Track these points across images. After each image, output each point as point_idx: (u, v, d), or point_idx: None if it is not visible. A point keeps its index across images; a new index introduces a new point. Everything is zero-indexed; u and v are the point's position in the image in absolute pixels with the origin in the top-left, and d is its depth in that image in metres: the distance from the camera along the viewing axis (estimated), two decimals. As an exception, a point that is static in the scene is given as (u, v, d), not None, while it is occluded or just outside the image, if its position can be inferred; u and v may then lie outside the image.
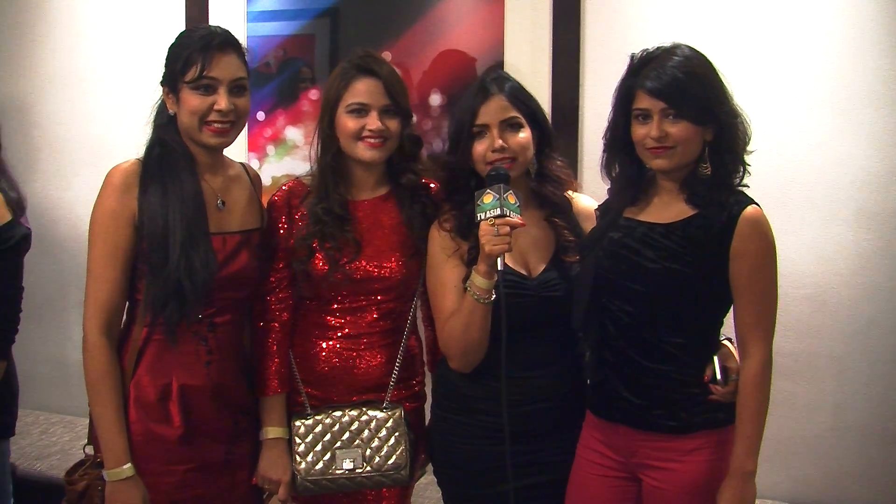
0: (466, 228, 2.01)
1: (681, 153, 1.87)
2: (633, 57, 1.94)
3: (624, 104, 1.94)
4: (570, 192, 2.16)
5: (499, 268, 1.87)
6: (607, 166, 2.03)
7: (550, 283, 2.02)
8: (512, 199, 1.88)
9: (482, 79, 2.09)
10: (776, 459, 2.68)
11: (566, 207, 2.12)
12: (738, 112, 1.90)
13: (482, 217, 1.88)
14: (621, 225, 1.97)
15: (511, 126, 2.02)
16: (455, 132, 2.07)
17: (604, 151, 2.03)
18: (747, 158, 1.92)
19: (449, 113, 2.94)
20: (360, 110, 2.07)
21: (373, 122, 2.06)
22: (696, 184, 1.90)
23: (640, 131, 1.90)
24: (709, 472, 1.89)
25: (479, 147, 2.02)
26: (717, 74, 1.90)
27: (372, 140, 2.06)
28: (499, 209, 1.86)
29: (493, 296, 1.92)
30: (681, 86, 1.84)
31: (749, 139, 1.91)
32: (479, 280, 1.91)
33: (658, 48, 1.91)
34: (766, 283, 1.88)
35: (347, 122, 2.07)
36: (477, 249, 1.92)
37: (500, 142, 2.00)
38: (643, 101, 1.88)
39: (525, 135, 2.03)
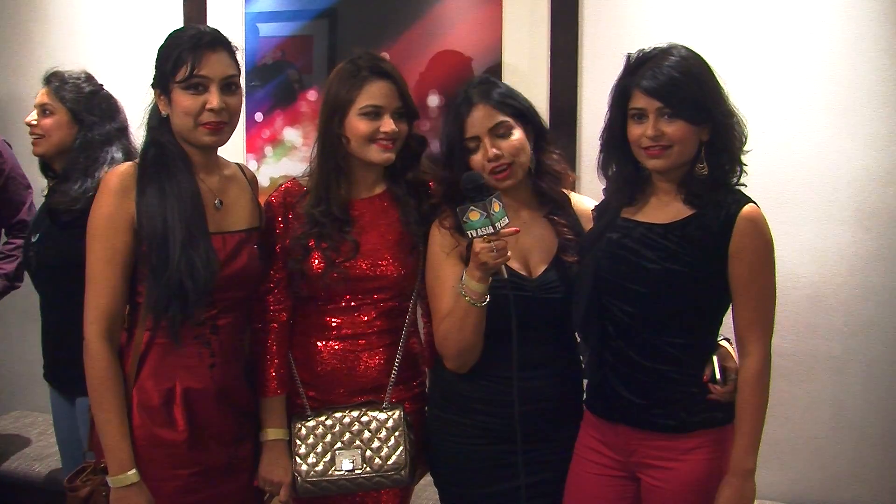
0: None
1: (677, 153, 1.88)
2: (629, 57, 1.95)
3: (620, 104, 1.94)
4: (568, 192, 2.16)
5: (505, 275, 1.88)
6: (604, 166, 2.03)
7: (550, 285, 2.02)
8: (496, 206, 1.84)
9: (465, 89, 2.08)
10: (774, 460, 2.68)
11: (565, 203, 2.12)
12: (733, 112, 1.90)
13: (474, 235, 1.86)
14: (619, 225, 1.97)
15: (501, 132, 2.02)
16: (448, 148, 2.07)
17: (601, 151, 2.03)
18: (744, 158, 1.92)
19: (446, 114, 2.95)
20: (375, 113, 2.06)
21: (387, 124, 2.05)
22: (694, 184, 1.90)
23: (636, 131, 1.90)
24: (708, 471, 1.90)
25: (476, 158, 2.02)
26: (713, 74, 1.90)
27: (385, 142, 2.06)
28: (490, 226, 1.84)
29: (487, 299, 1.92)
30: (677, 85, 1.85)
31: (745, 139, 1.92)
32: (472, 284, 1.91)
33: (654, 48, 1.92)
34: (764, 282, 1.88)
35: (360, 125, 2.06)
36: None
37: (494, 150, 2.00)
38: (639, 101, 1.88)
39: (517, 137, 2.03)
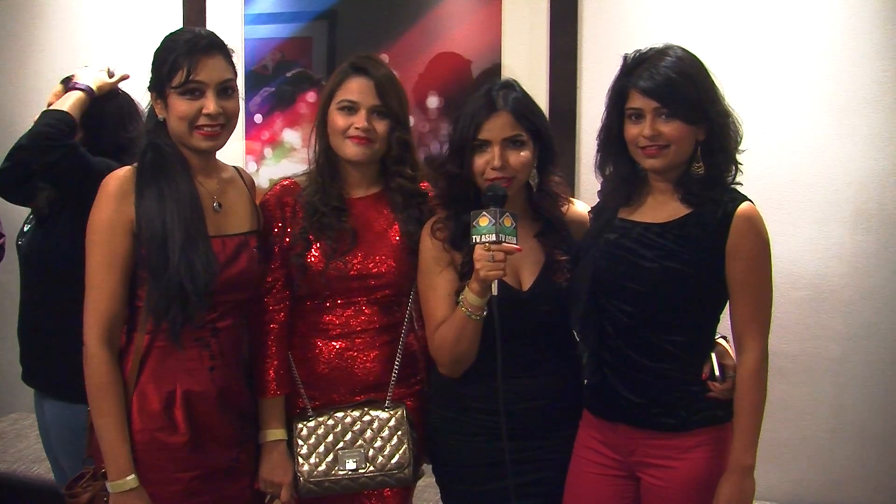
0: (460, 240, 2.01)
1: (674, 152, 1.89)
2: (626, 57, 1.96)
3: (617, 104, 1.95)
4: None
5: (493, 293, 1.88)
6: (601, 166, 2.04)
7: (541, 297, 2.03)
8: (508, 222, 1.87)
9: (489, 90, 2.04)
10: (774, 461, 2.68)
11: (559, 224, 2.10)
12: (729, 112, 1.91)
13: (477, 240, 1.87)
14: (616, 226, 1.98)
15: (514, 144, 2.00)
16: (457, 143, 2.04)
17: (597, 151, 2.04)
18: (742, 158, 1.94)
19: (447, 115, 2.94)
20: (350, 108, 2.08)
21: (360, 120, 2.07)
22: (691, 183, 1.91)
23: (632, 131, 1.91)
24: (708, 469, 1.90)
25: (480, 161, 2.00)
26: (709, 75, 1.91)
27: (358, 138, 2.08)
28: (494, 235, 1.86)
29: (485, 312, 1.92)
30: (673, 85, 1.86)
31: (741, 138, 1.93)
32: (471, 297, 1.92)
33: (651, 49, 1.93)
34: (761, 279, 1.89)
35: (337, 119, 2.09)
36: (470, 263, 1.92)
37: (500, 161, 1.97)
38: (636, 101, 1.89)
39: (526, 153, 2.01)
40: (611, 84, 1.98)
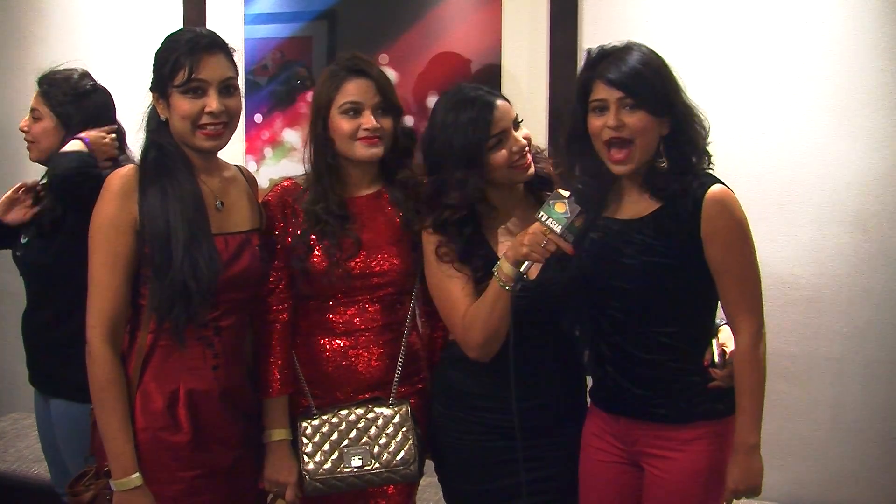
0: (467, 254, 2.01)
1: (639, 149, 1.88)
2: (589, 52, 1.96)
3: (581, 98, 1.95)
4: None
5: (521, 269, 1.88)
6: (569, 165, 2.03)
7: (547, 285, 2.03)
8: (579, 223, 1.86)
9: (466, 94, 2.03)
10: (774, 461, 2.67)
11: None
12: (693, 106, 1.92)
13: (543, 218, 1.85)
14: (599, 225, 1.99)
15: (517, 124, 2.04)
16: (471, 150, 1.99)
17: (563, 149, 2.04)
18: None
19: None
20: (354, 110, 2.08)
21: (368, 120, 2.07)
22: (657, 178, 1.91)
23: (596, 123, 1.90)
24: (708, 462, 1.91)
25: (502, 154, 2.00)
26: (672, 71, 1.92)
27: (369, 138, 2.08)
28: (560, 227, 1.84)
29: (516, 287, 1.91)
30: (639, 76, 1.86)
31: (707, 131, 1.92)
32: (506, 267, 1.91)
33: (614, 46, 1.93)
34: (742, 259, 1.88)
35: (342, 124, 2.08)
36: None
37: (522, 140, 2.01)
38: (601, 92, 1.89)
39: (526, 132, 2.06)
40: (577, 79, 1.98)
